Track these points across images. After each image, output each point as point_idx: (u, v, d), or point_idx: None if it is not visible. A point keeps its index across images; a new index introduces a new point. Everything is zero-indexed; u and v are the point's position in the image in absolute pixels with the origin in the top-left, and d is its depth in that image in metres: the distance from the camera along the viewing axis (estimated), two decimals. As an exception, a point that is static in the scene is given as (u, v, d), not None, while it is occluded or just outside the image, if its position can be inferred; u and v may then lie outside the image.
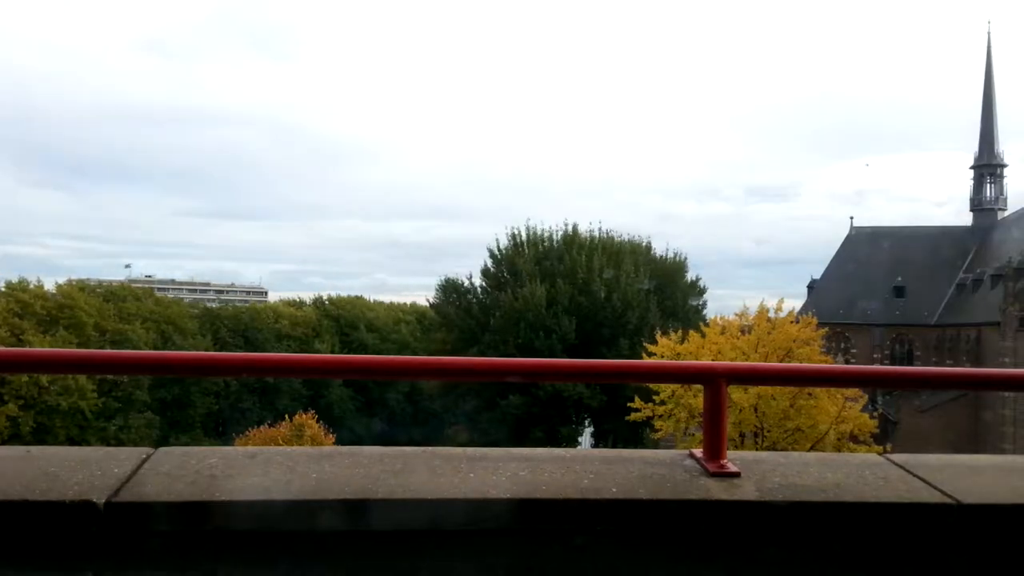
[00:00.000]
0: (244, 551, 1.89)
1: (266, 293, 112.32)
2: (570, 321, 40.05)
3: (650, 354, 24.19)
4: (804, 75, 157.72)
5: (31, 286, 49.10)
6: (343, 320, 68.14)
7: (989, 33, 59.11)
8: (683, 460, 2.34)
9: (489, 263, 45.98)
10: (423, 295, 65.56)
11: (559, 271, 41.79)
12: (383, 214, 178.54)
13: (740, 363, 16.65)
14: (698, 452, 2.36)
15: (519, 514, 1.97)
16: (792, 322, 24.07)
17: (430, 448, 2.38)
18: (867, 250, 57.74)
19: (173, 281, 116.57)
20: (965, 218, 60.00)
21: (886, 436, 36.17)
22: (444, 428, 47.89)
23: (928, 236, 57.97)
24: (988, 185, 58.91)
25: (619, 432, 37.82)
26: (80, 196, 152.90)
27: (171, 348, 47.29)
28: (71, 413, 43.13)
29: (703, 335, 23.88)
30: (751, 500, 2.04)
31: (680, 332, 24.93)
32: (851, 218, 60.92)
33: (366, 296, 77.22)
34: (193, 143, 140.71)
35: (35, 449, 2.24)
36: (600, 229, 46.50)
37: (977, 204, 58.87)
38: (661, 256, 48.28)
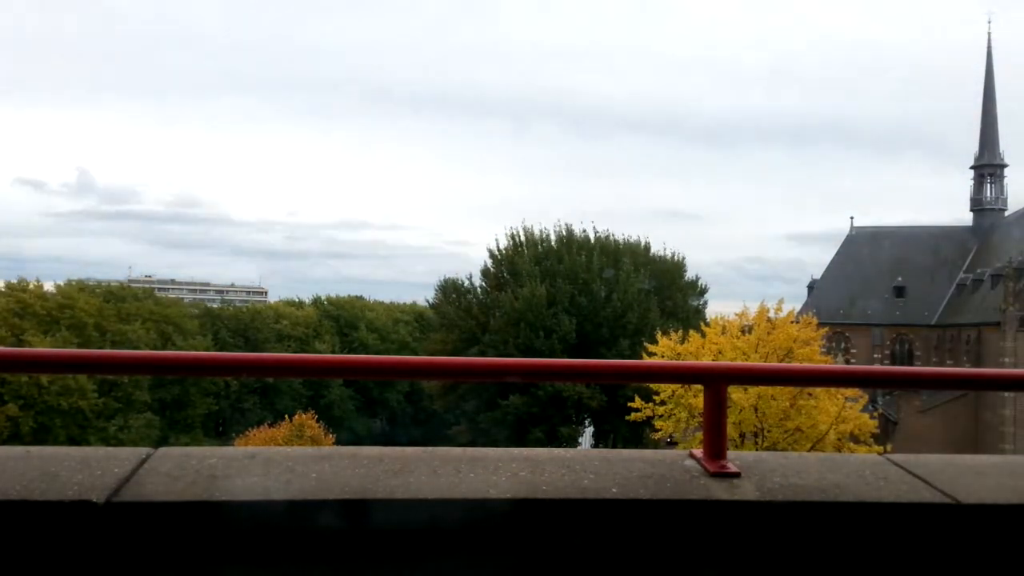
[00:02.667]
0: (244, 551, 1.89)
1: (266, 293, 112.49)
2: (570, 321, 40.03)
3: (650, 354, 24.20)
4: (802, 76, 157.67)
5: (31, 286, 49.15)
6: (343, 320, 68.18)
7: (989, 33, 59.10)
8: (683, 460, 2.34)
9: (489, 263, 46.01)
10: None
11: (559, 271, 41.77)
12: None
13: (740, 363, 16.66)
14: (698, 452, 2.35)
15: (519, 514, 1.97)
16: (792, 322, 24.08)
17: (430, 448, 2.38)
18: (867, 250, 57.76)
19: (173, 281, 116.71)
20: (965, 218, 60.10)
21: (886, 436, 36.19)
22: (444, 428, 47.85)
23: (928, 236, 57.97)
24: (988, 185, 58.91)
25: (619, 432, 37.81)
26: None
27: (171, 348, 47.29)
28: (71, 413, 43.16)
29: (703, 335, 23.89)
30: (751, 500, 2.04)
31: (680, 332, 24.94)
32: (851, 218, 60.97)
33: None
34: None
35: (35, 449, 2.23)
36: (599, 229, 46.60)
37: (977, 204, 58.87)
38: (661, 256, 48.29)
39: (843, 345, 53.01)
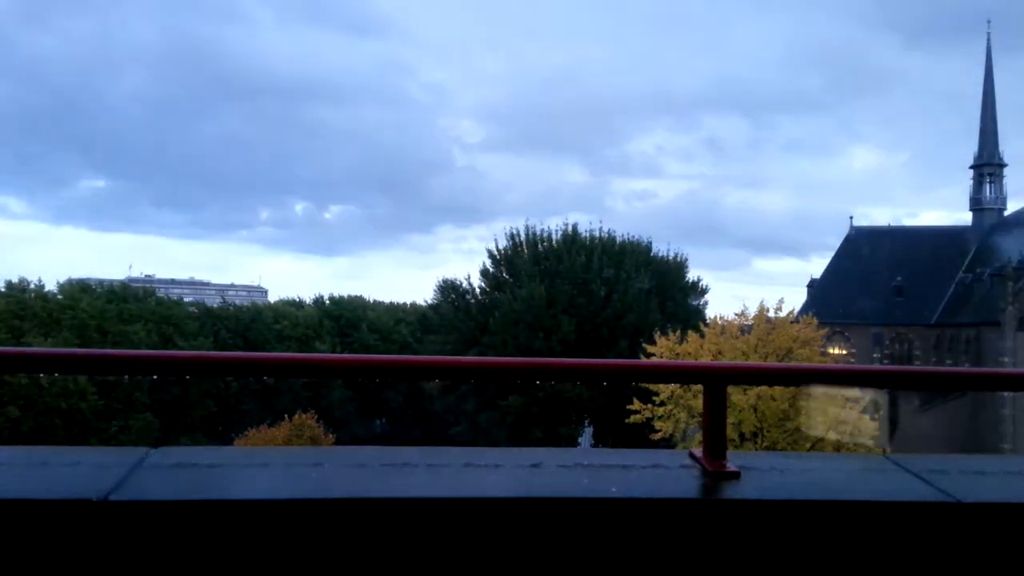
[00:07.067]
0: (243, 551, 1.89)
1: (266, 293, 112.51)
2: (570, 321, 40.02)
3: (649, 354, 24.19)
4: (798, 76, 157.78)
5: (31, 286, 49.16)
6: (343, 320, 68.14)
7: (989, 33, 59.06)
8: (683, 460, 2.34)
9: (488, 263, 46.00)
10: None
11: (558, 271, 41.76)
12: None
13: (740, 363, 16.66)
14: (698, 452, 2.36)
15: (519, 514, 1.97)
16: (792, 322, 24.09)
17: (430, 448, 2.38)
18: (867, 250, 57.72)
19: (173, 281, 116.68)
20: (965, 218, 60.07)
21: (886, 436, 36.15)
22: (444, 428, 47.85)
23: (928, 236, 57.96)
24: (988, 185, 58.86)
25: (619, 432, 37.83)
26: None
27: (171, 348, 47.26)
28: (71, 414, 43.14)
29: (703, 335, 23.90)
30: (751, 500, 2.04)
31: (679, 332, 24.94)
32: (851, 218, 60.92)
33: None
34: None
35: (35, 449, 2.24)
36: (600, 229, 46.59)
37: (977, 204, 58.84)
38: (661, 256, 48.27)
39: (843, 344, 53.01)
